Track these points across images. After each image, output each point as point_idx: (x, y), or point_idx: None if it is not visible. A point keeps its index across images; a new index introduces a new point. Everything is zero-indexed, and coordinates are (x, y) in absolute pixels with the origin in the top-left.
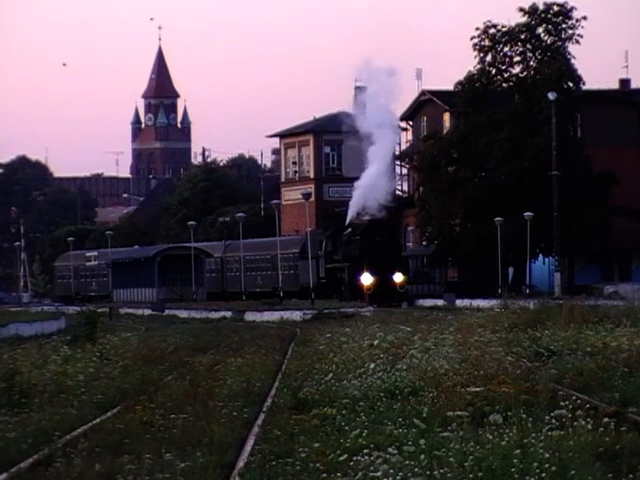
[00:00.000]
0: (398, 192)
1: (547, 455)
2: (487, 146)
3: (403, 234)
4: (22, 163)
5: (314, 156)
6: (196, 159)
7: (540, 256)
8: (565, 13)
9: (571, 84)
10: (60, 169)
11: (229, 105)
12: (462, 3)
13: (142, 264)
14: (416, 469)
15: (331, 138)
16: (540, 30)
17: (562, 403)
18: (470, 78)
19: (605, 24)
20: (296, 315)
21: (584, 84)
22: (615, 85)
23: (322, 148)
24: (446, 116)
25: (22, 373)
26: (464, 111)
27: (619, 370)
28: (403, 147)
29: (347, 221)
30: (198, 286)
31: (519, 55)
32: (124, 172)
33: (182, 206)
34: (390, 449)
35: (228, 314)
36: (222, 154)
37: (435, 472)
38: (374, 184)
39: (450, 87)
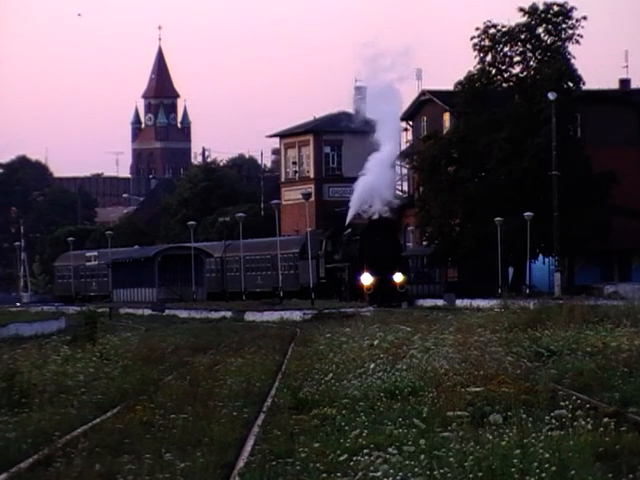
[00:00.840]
0: (398, 192)
1: (547, 455)
2: (487, 146)
3: (403, 234)
4: (22, 163)
5: (314, 156)
6: (196, 159)
7: (540, 256)
8: (565, 13)
9: (571, 84)
10: (60, 169)
11: (229, 105)
12: (462, 3)
13: (142, 264)
14: (416, 469)
15: (331, 138)
16: (540, 30)
17: (562, 403)
18: (470, 78)
19: (605, 24)
20: (296, 315)
21: (584, 84)
22: (615, 85)
23: (322, 148)
24: (446, 116)
25: (22, 373)
26: (464, 111)
27: (619, 370)
28: (403, 147)
29: (347, 220)
30: (198, 286)
31: (519, 55)
32: (124, 172)
33: (182, 206)
34: (390, 449)
35: (228, 314)
36: (222, 154)
37: (435, 472)
38: (378, 179)
39: (450, 87)
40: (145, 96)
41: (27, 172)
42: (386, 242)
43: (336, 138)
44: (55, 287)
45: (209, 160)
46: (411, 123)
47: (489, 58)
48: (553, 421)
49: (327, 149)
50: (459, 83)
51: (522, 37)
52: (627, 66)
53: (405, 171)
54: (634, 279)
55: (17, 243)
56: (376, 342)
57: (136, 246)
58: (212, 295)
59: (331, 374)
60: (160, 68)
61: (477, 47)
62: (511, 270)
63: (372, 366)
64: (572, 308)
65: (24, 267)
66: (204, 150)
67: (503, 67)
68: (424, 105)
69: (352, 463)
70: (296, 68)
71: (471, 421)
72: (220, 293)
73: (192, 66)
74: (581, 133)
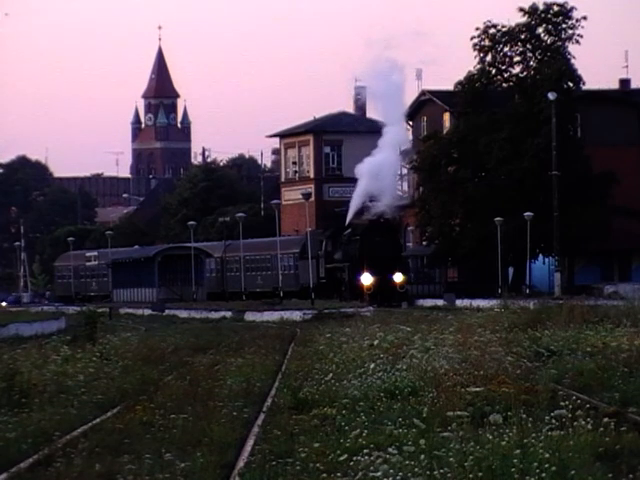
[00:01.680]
0: (398, 192)
1: (547, 455)
2: (487, 146)
3: (403, 234)
4: (22, 163)
5: (314, 156)
6: (196, 159)
7: (540, 256)
8: (565, 13)
9: (571, 84)
10: (60, 169)
11: (229, 105)
12: (462, 3)
13: (142, 264)
14: (416, 469)
15: (331, 138)
16: (540, 30)
17: (562, 403)
18: (470, 78)
19: (605, 24)
20: (296, 315)
21: (584, 84)
22: (615, 85)
23: (322, 148)
24: (446, 116)
25: (22, 373)
26: (464, 111)
27: (619, 370)
28: (403, 147)
29: (347, 220)
30: (198, 286)
31: (519, 55)
32: (124, 172)
33: (182, 206)
34: (390, 449)
35: (228, 314)
36: (222, 154)
37: (435, 472)
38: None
39: (450, 87)
40: (145, 96)
41: (27, 172)
42: (386, 242)
43: (336, 138)
44: (55, 287)
45: (209, 160)
46: (411, 123)
47: (489, 58)
48: (553, 421)
49: (327, 149)
50: (459, 83)
51: (522, 37)
52: (627, 66)
53: (405, 171)
54: (634, 279)
55: (17, 243)
56: (376, 342)
57: (136, 246)
58: (212, 295)
59: (331, 374)
60: (160, 68)
61: (477, 47)
62: (511, 270)
63: (372, 366)
64: (572, 308)
65: (24, 267)
66: (204, 150)
67: (503, 67)
68: (424, 105)
69: (352, 463)
70: (296, 68)
71: (471, 421)
72: (220, 293)
73: (192, 66)
74: (581, 133)
